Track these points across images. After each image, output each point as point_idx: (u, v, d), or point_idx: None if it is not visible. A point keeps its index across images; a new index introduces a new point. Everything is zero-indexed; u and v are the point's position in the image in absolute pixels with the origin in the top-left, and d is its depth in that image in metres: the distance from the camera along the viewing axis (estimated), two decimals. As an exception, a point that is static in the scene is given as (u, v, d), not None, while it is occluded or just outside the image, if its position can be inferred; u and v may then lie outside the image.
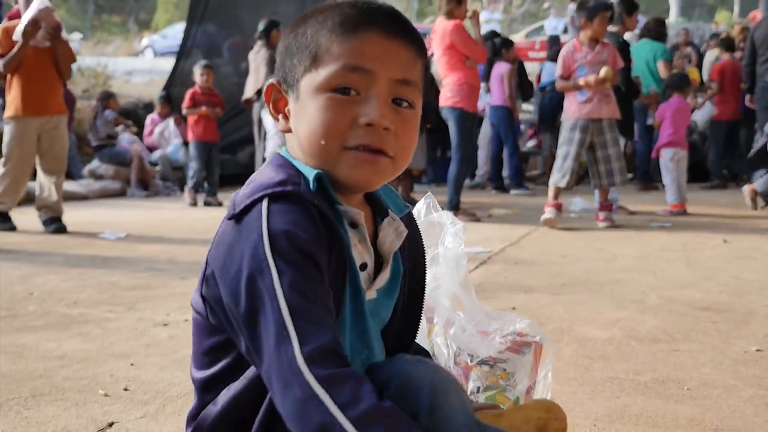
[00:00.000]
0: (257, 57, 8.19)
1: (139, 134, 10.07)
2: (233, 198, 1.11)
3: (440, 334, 1.60)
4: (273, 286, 0.99)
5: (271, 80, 1.18)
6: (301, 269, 1.01)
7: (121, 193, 8.99)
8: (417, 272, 1.29)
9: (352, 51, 1.09)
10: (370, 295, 1.17)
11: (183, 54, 11.55)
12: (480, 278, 4.02)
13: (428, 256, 1.65)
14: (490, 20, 21.28)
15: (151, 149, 9.87)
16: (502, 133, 9.21)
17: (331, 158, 1.10)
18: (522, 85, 9.50)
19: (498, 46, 9.21)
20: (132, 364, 2.50)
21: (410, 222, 1.29)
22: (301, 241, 1.02)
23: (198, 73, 8.37)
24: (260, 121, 8.16)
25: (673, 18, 30.29)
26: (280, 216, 1.04)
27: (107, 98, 9.75)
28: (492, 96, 9.16)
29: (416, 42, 1.14)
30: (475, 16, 6.65)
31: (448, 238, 1.57)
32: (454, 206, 6.60)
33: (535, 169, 11.70)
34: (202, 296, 1.13)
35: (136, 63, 19.83)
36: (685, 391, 2.32)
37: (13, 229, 5.61)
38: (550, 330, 2.97)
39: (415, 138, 1.15)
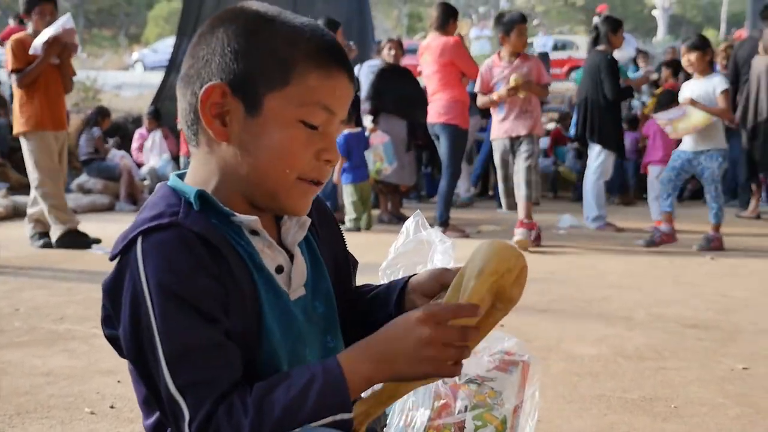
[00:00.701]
0: None
1: (127, 148, 10.04)
2: (116, 240, 1.09)
3: (428, 353, 1.60)
4: (156, 347, 1.00)
5: (216, 81, 1.07)
6: (182, 322, 1.00)
7: (109, 208, 8.95)
8: (339, 256, 1.28)
9: (327, 90, 1.09)
10: (298, 293, 1.15)
11: (173, 68, 11.54)
12: (468, 295, 4.02)
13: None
14: (479, 37, 21.35)
15: (138, 164, 9.84)
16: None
17: (285, 185, 1.10)
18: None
19: None
20: (119, 381, 2.48)
21: (318, 204, 1.25)
22: (178, 288, 1.01)
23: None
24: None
25: (660, 36, 30.55)
26: (155, 259, 1.02)
27: (101, 116, 9.72)
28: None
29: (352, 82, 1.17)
30: (461, 39, 6.76)
31: (437, 256, 1.56)
32: (444, 222, 6.60)
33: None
34: (107, 338, 1.12)
35: (125, 77, 19.81)
36: (672, 409, 2.33)
37: (89, 245, 5.59)
38: (538, 347, 2.98)
39: None
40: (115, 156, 9.45)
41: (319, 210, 1.27)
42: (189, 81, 1.11)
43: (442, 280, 1.23)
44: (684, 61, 6.07)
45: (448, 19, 6.44)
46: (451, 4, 6.76)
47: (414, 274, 1.32)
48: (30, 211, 5.71)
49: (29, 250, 5.49)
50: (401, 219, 7.53)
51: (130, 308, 1.02)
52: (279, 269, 1.14)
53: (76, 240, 5.57)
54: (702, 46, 5.93)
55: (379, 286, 1.35)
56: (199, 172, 1.13)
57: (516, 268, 1.15)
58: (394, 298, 1.26)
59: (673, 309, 3.73)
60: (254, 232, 1.12)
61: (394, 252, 1.63)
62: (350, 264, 1.32)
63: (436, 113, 6.51)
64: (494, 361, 1.62)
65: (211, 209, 1.09)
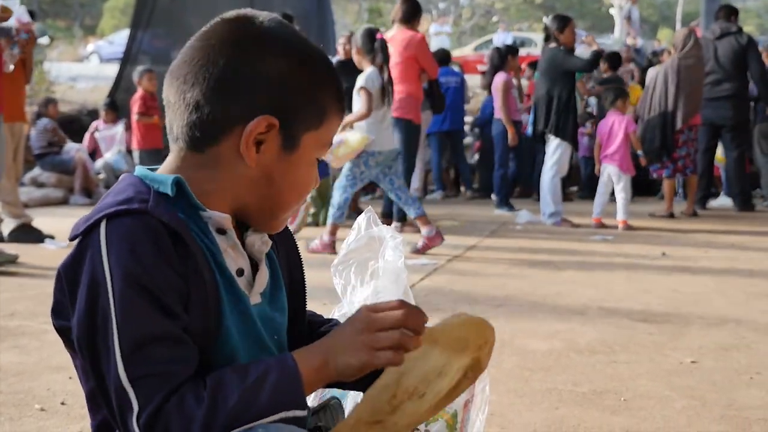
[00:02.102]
0: None
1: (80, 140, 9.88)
2: (76, 222, 1.06)
3: (380, 348, 1.61)
4: (111, 335, 0.98)
5: (271, 118, 1.07)
6: (142, 312, 0.98)
7: (63, 202, 8.81)
8: (295, 273, 1.28)
9: (335, 130, 1.16)
10: (255, 299, 1.14)
11: (128, 60, 11.41)
12: (425, 290, 4.05)
13: (369, 270, 1.67)
14: (439, 33, 21.39)
15: (92, 156, 9.69)
16: (495, 146, 8.96)
17: (279, 208, 1.15)
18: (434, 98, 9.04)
19: (503, 53, 9.02)
20: (70, 378, 2.45)
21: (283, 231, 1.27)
22: (142, 277, 0.99)
23: (146, 78, 8.26)
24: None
25: (617, 35, 30.90)
26: (120, 245, 0.99)
27: (46, 105, 9.51)
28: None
29: None
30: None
31: (388, 252, 1.58)
32: (402, 218, 6.63)
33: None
34: (57, 329, 1.09)
35: (80, 69, 19.51)
36: (621, 402, 2.38)
37: (41, 239, 5.47)
38: (492, 342, 3.01)
39: None
40: (71, 149, 9.29)
41: (285, 237, 1.28)
42: (220, 92, 1.07)
43: None
44: None
45: (415, 13, 6.46)
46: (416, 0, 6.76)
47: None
48: None
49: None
50: (359, 213, 7.53)
51: (88, 292, 0.99)
52: (239, 272, 1.13)
53: (28, 234, 5.47)
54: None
55: (331, 320, 1.36)
56: (185, 172, 1.10)
57: (490, 340, 1.19)
58: None
59: (625, 304, 3.80)
60: (220, 231, 1.11)
61: (346, 248, 1.64)
62: (304, 281, 1.30)
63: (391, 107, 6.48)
64: (445, 356, 1.63)
65: (182, 201, 1.07)
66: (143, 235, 1.00)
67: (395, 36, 6.52)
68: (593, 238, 6.35)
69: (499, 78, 8.56)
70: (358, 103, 5.35)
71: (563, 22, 7.30)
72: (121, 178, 1.12)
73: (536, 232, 6.77)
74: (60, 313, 1.06)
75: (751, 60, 8.21)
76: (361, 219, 1.65)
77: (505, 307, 3.67)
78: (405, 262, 1.55)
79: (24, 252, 4.89)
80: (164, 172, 1.11)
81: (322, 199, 7.10)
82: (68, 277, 1.03)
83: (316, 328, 1.31)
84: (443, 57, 9.96)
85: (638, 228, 6.99)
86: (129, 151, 9.56)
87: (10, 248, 5.19)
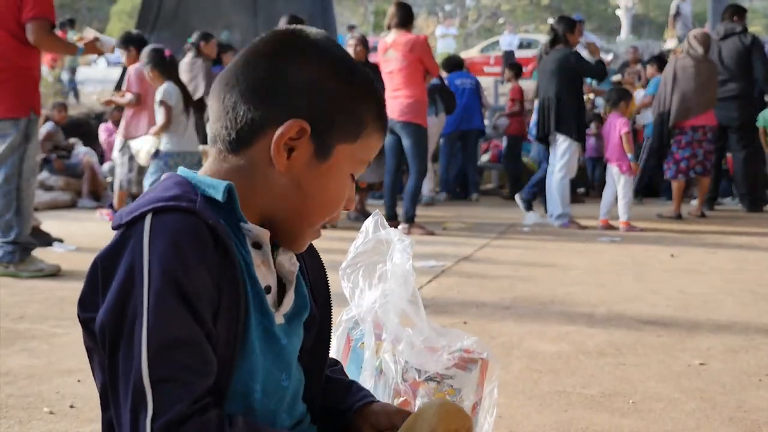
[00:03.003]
0: (193, 68, 8.27)
1: (90, 145, 9.89)
2: (119, 212, 1.05)
3: (388, 350, 1.61)
4: (140, 330, 0.95)
5: (300, 119, 1.06)
6: (175, 313, 0.96)
7: (71, 205, 8.84)
8: (319, 297, 1.26)
9: (374, 148, 1.15)
10: (279, 319, 1.13)
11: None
12: (433, 292, 4.05)
13: (377, 273, 1.67)
14: (445, 35, 21.42)
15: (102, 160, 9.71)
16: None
17: (313, 227, 1.15)
18: (444, 98, 9.12)
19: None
20: (79, 381, 2.46)
21: (309, 247, 1.25)
22: (182, 278, 0.97)
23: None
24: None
25: (624, 36, 30.87)
26: (164, 240, 0.98)
27: (53, 109, 9.50)
28: None
29: None
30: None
31: (395, 255, 1.58)
32: (410, 219, 6.63)
33: (490, 183, 11.84)
34: (81, 321, 1.06)
35: (88, 72, 19.57)
36: (630, 404, 2.37)
37: (50, 243, 5.44)
38: (501, 344, 3.01)
39: None
40: (79, 153, 9.32)
41: (313, 256, 1.27)
42: (257, 93, 1.08)
43: (393, 420, 1.23)
44: None
45: (411, 16, 6.52)
46: (408, 4, 6.87)
47: (372, 400, 1.30)
48: None
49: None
50: (366, 216, 7.55)
51: (123, 282, 0.97)
52: (267, 289, 1.12)
53: (37, 238, 5.48)
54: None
55: (341, 378, 1.35)
56: (225, 175, 1.09)
57: (463, 428, 1.18)
58: (347, 413, 1.27)
59: (634, 305, 3.79)
60: (256, 245, 1.10)
61: (354, 251, 1.65)
62: (330, 309, 1.29)
63: (398, 111, 6.49)
64: (453, 359, 1.64)
65: (226, 208, 1.06)
66: (189, 235, 0.99)
67: (397, 40, 6.53)
68: (601, 240, 6.33)
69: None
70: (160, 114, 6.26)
71: (573, 23, 7.33)
72: (165, 176, 1.11)
73: (544, 233, 6.77)
74: (88, 305, 1.03)
75: (755, 60, 8.18)
76: (369, 222, 1.66)
77: (513, 309, 3.66)
78: (413, 265, 1.55)
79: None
80: (210, 175, 1.10)
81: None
82: (104, 266, 1.01)
83: (335, 386, 1.31)
84: (457, 62, 10.05)
85: (646, 229, 6.98)
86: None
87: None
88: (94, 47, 4.87)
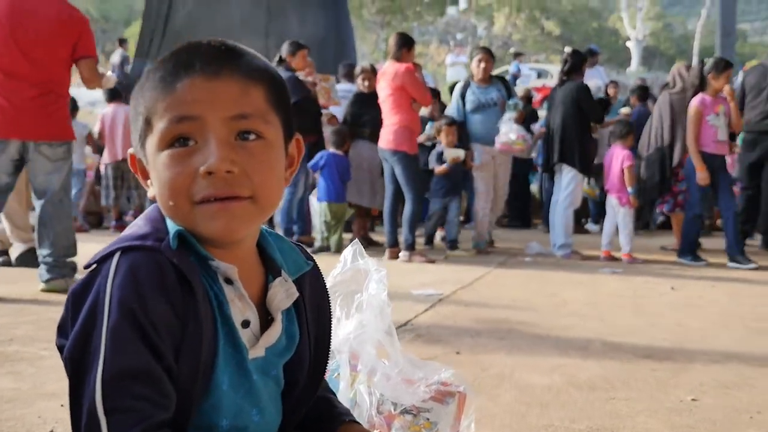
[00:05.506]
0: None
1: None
2: (97, 252, 1.08)
3: (364, 382, 1.59)
4: (97, 361, 0.97)
5: (130, 151, 1.14)
6: (130, 345, 0.98)
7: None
8: (321, 332, 1.26)
9: (173, 103, 1.05)
10: (257, 353, 1.12)
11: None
12: (428, 321, 4.02)
13: (354, 303, 1.66)
14: (455, 63, 21.50)
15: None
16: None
17: (185, 216, 1.06)
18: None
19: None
20: (62, 405, 2.44)
21: (316, 280, 1.25)
22: (138, 311, 0.98)
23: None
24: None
25: (634, 67, 30.99)
26: (125, 276, 1.00)
27: None
28: None
29: (244, 70, 1.08)
30: (417, 68, 6.94)
31: (372, 285, 1.57)
32: (410, 246, 6.63)
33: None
34: (58, 347, 1.08)
35: (100, 94, 19.65)
36: (618, 440, 2.33)
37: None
38: (492, 375, 2.98)
39: (274, 168, 1.10)
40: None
41: (319, 290, 1.27)
42: None
43: None
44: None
45: (401, 48, 6.63)
46: (407, 34, 7.07)
47: (352, 420, 1.31)
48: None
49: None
50: (370, 243, 7.56)
51: (86, 317, 1.00)
52: (245, 323, 1.11)
53: (35, 259, 5.50)
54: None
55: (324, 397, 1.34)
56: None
57: None
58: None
59: (630, 338, 3.75)
60: (228, 281, 1.10)
61: (332, 280, 1.63)
62: (329, 342, 1.29)
63: (385, 139, 6.67)
64: (430, 392, 1.62)
65: (191, 249, 1.07)
66: (151, 272, 1.01)
67: (386, 70, 6.75)
68: (602, 271, 6.30)
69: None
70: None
71: (584, 56, 7.51)
72: (149, 209, 1.14)
73: (545, 263, 6.74)
74: (63, 332, 1.06)
75: None
76: (348, 251, 1.65)
77: (507, 340, 3.63)
78: (388, 295, 1.54)
79: (27, 276, 4.91)
80: None
81: (336, 224, 7.13)
82: (75, 300, 1.04)
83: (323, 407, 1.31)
84: None
85: (649, 261, 6.94)
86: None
87: (17, 272, 5.22)
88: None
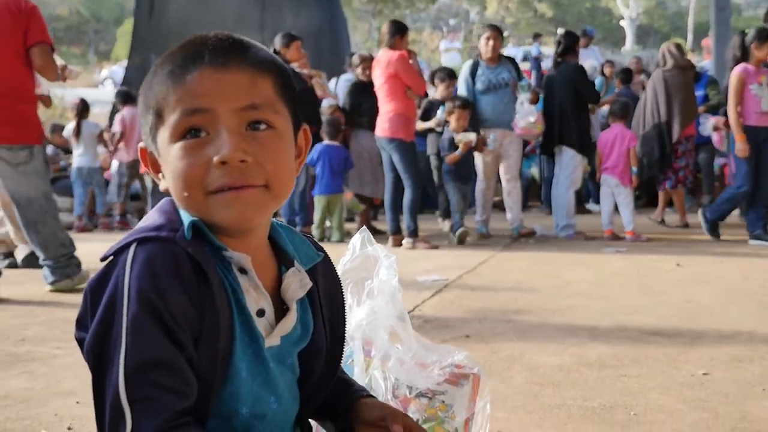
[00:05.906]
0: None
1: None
2: (113, 244, 1.09)
3: (378, 367, 1.60)
4: (119, 352, 0.98)
5: (141, 145, 1.16)
6: (150, 335, 0.99)
7: (71, 226, 8.85)
8: (336, 321, 1.27)
9: (184, 95, 1.06)
10: (273, 341, 1.13)
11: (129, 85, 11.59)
12: (435, 306, 4.03)
13: (365, 290, 1.66)
14: (449, 49, 21.53)
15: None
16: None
17: (199, 207, 1.07)
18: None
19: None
20: (78, 403, 2.45)
21: (327, 270, 1.27)
22: (157, 301, 0.99)
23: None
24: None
25: (628, 46, 30.90)
26: (142, 267, 1.01)
27: (52, 133, 9.65)
28: None
29: (252, 62, 1.09)
30: (412, 55, 6.89)
31: (382, 271, 1.57)
32: (412, 232, 6.63)
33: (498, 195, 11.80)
34: (77, 340, 1.09)
35: (95, 94, 19.69)
36: (632, 416, 2.34)
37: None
38: (502, 358, 2.99)
39: (286, 157, 1.12)
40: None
41: (332, 280, 1.28)
42: None
43: (388, 420, 1.26)
44: None
45: (394, 35, 6.60)
46: (400, 21, 6.99)
47: (368, 395, 1.34)
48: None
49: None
50: (373, 232, 7.57)
51: (106, 309, 1.01)
52: (260, 312, 1.12)
53: (34, 261, 5.51)
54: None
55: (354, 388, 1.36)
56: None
57: None
58: (342, 410, 1.30)
59: (637, 317, 3.76)
60: (242, 270, 1.11)
61: (342, 268, 1.64)
62: (343, 339, 1.30)
63: (381, 127, 6.66)
64: (445, 375, 1.62)
65: (205, 240, 1.08)
66: (167, 262, 1.02)
67: (379, 58, 6.74)
68: (606, 250, 6.30)
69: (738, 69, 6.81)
70: None
71: (577, 37, 7.51)
72: (162, 202, 1.15)
73: (549, 245, 6.74)
74: (82, 325, 1.07)
75: None
76: (356, 239, 1.65)
77: (515, 323, 3.64)
78: (399, 281, 1.54)
79: (34, 278, 4.92)
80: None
81: (332, 215, 7.16)
82: (93, 293, 1.05)
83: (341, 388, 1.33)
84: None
85: (652, 239, 6.94)
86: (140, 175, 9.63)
87: (23, 274, 5.23)
88: (63, 74, 4.94)
